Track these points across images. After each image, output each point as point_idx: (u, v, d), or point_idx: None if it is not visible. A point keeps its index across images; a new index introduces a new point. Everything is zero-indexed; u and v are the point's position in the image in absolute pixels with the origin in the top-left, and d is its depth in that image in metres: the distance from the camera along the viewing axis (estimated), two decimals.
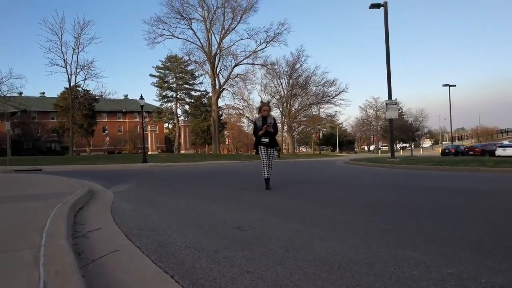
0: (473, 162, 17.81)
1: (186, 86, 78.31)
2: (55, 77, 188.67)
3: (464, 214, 5.09)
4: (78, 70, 50.78)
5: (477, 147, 46.57)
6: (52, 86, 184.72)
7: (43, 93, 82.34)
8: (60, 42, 49.65)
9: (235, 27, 54.99)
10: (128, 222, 4.92)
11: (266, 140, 8.58)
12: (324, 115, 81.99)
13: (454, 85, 55.83)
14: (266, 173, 8.59)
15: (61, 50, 49.82)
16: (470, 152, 43.63)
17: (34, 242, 3.15)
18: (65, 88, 57.31)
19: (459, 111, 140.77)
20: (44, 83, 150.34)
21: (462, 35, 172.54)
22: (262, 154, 8.62)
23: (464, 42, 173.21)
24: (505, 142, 51.05)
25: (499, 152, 39.99)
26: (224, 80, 56.76)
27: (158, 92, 77.42)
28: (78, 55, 50.82)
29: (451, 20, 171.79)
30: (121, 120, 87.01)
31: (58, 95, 63.80)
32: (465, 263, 2.81)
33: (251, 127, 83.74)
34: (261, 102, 11.23)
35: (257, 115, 9.29)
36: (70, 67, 50.53)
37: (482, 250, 3.17)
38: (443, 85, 55.35)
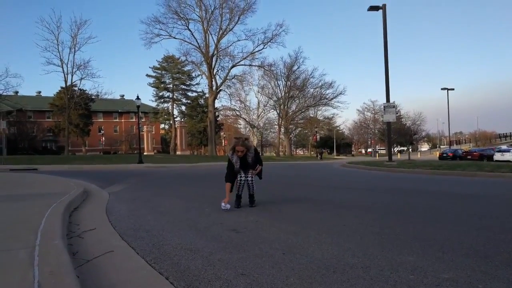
0: (471, 166, 17.78)
1: (183, 86, 78.16)
2: (51, 76, 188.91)
3: (461, 219, 5.08)
4: (74, 70, 50.76)
5: (475, 152, 46.32)
6: (48, 85, 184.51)
7: (39, 92, 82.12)
8: (57, 41, 49.61)
9: (232, 28, 54.86)
10: (123, 223, 4.90)
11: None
12: (321, 118, 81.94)
13: (453, 89, 55.85)
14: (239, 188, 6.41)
15: (58, 49, 49.78)
16: (468, 157, 43.39)
17: (29, 241, 3.13)
18: (61, 88, 57.17)
19: (457, 115, 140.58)
20: (40, 82, 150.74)
21: (462, 38, 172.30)
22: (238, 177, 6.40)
23: (463, 45, 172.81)
24: (503, 147, 50.98)
25: (497, 157, 39.92)
26: (221, 81, 56.59)
27: (154, 92, 77.24)
28: (74, 54, 50.73)
29: (451, 23, 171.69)
30: (117, 120, 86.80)
31: (54, 95, 63.55)
32: (461, 268, 2.80)
33: (247, 129, 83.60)
34: (235, 138, 6.79)
35: (230, 152, 6.51)
36: (67, 66, 50.51)
37: (479, 255, 3.16)
38: (442, 89, 55.33)
